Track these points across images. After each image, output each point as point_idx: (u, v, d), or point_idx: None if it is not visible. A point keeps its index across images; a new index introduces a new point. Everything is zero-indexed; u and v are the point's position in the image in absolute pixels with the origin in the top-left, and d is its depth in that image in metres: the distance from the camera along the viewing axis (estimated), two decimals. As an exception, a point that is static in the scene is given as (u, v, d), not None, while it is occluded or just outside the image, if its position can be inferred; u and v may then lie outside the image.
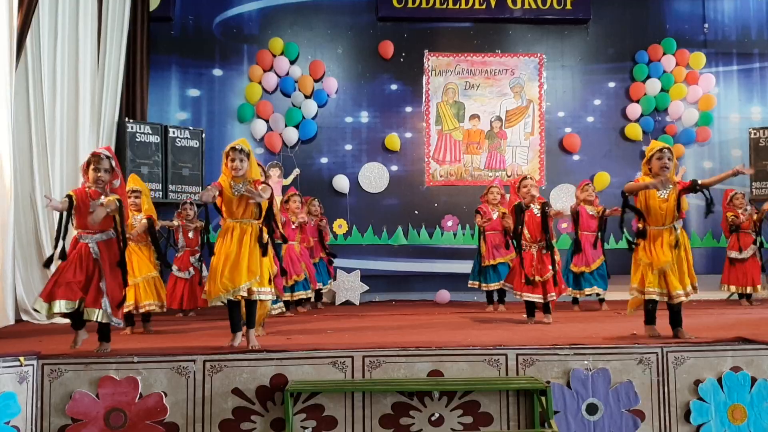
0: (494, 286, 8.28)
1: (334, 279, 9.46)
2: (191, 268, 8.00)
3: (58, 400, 4.45)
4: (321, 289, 8.96)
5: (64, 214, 4.86)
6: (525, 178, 6.90)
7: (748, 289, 8.68)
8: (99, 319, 4.78)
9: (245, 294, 4.95)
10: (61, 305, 4.71)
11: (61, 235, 4.86)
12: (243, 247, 4.94)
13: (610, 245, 8.89)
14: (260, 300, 5.11)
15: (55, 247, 4.89)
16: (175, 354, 4.66)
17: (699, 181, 5.26)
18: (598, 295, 8.31)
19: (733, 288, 8.77)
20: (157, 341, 5.66)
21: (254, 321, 5.14)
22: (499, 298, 8.47)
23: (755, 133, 10.16)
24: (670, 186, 5.27)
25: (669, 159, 5.25)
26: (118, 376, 4.50)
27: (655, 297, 5.25)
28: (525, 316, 6.84)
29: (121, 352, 4.73)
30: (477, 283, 8.45)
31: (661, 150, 5.30)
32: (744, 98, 10.61)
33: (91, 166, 4.88)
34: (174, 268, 7.91)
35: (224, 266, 4.89)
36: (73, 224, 4.90)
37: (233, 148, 5.02)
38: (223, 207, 5.06)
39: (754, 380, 4.74)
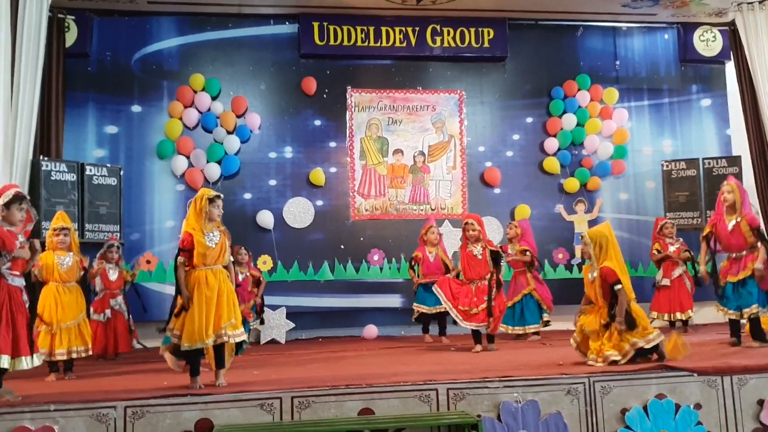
0: (431, 309, 8.25)
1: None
2: (108, 311, 7.81)
3: (-33, 454, 4.20)
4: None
5: None
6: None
7: (678, 315, 8.48)
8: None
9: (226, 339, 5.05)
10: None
11: None
12: (221, 294, 5.06)
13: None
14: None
15: None
16: (94, 400, 4.46)
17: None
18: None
19: (655, 314, 8.52)
20: (77, 387, 5.41)
21: (224, 361, 5.15)
22: (440, 330, 8.45)
23: (667, 165, 10.56)
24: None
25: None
26: (34, 426, 4.28)
27: None
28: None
29: (36, 400, 4.50)
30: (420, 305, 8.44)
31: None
32: (656, 132, 10.99)
33: (19, 205, 4.79)
34: (90, 310, 7.67)
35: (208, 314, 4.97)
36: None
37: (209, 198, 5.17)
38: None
39: (678, 407, 4.85)
